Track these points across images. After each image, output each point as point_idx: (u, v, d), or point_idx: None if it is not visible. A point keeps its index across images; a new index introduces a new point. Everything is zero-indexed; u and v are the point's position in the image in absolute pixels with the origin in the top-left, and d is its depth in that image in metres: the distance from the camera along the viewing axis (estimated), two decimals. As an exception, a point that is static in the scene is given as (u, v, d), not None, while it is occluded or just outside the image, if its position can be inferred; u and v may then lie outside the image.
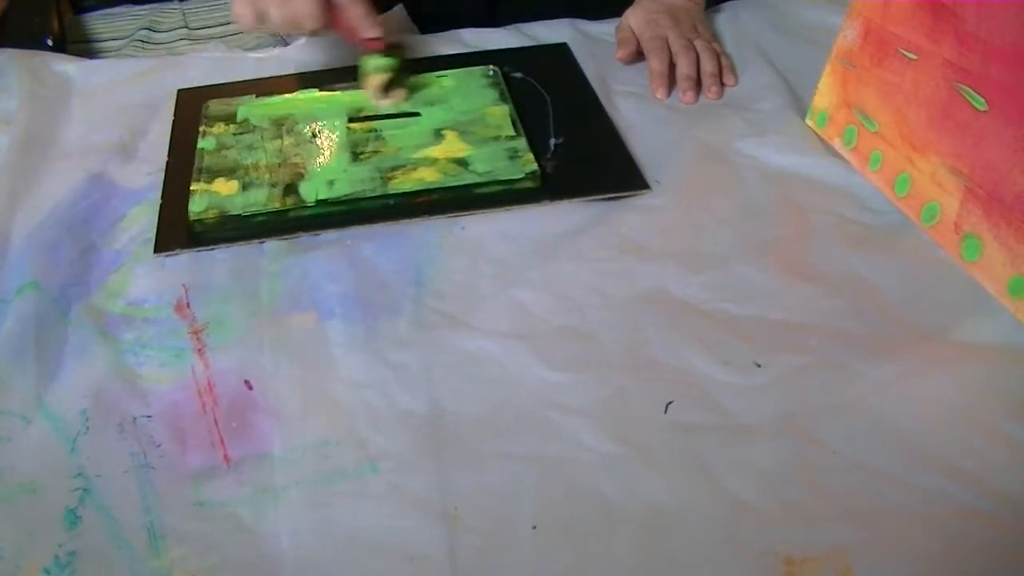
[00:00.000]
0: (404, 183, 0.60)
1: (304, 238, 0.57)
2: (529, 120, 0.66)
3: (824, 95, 0.64)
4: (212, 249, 0.57)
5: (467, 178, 0.60)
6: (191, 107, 0.69)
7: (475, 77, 0.71)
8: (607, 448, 0.45)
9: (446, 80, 0.70)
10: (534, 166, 0.61)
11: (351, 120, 0.66)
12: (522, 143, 0.63)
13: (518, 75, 0.72)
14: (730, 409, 0.47)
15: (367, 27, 0.67)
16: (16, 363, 0.49)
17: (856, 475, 0.43)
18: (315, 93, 0.69)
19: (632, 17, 0.75)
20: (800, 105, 0.67)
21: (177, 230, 0.58)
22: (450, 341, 0.51)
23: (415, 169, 0.61)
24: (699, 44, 0.71)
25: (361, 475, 0.44)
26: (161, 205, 0.60)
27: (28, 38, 0.83)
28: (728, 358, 0.49)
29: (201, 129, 0.66)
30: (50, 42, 0.86)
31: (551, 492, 0.43)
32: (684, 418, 0.46)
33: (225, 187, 0.60)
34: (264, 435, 0.46)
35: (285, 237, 0.57)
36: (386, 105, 0.68)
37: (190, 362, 0.50)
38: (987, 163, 0.51)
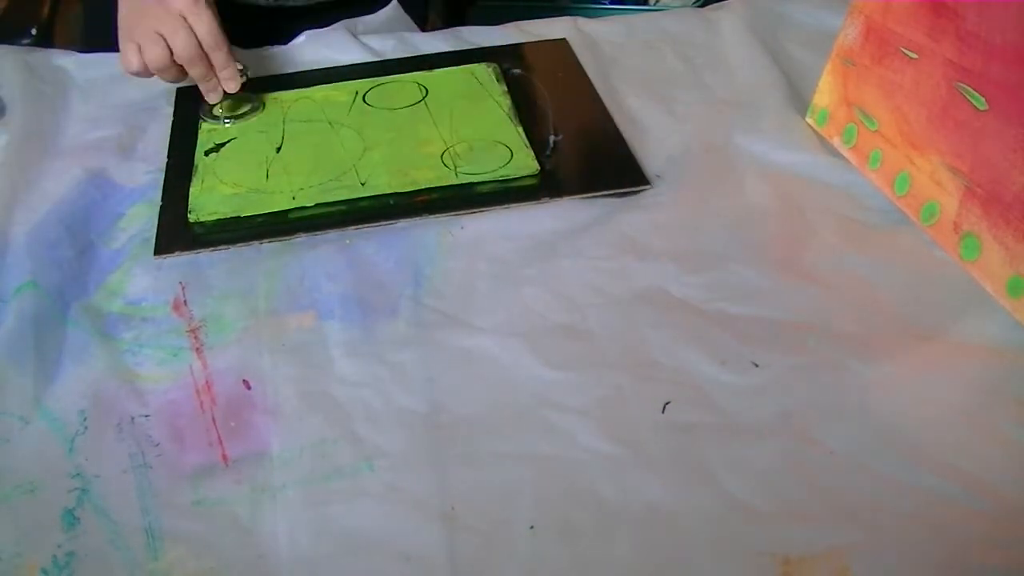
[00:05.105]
0: (403, 182, 0.60)
1: (303, 237, 0.57)
2: (528, 117, 0.66)
3: (824, 93, 0.64)
4: (211, 250, 0.57)
5: (466, 176, 0.60)
6: (190, 105, 0.69)
7: (474, 74, 0.70)
8: (605, 447, 0.45)
9: (445, 77, 0.70)
10: (533, 164, 0.61)
11: (349, 119, 0.66)
12: (521, 140, 0.63)
13: (517, 71, 0.71)
14: (728, 409, 0.47)
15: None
16: (14, 363, 0.49)
17: (853, 475, 0.43)
18: (313, 91, 0.69)
19: None
20: (800, 103, 0.67)
21: (177, 232, 0.58)
22: (448, 340, 0.51)
23: (414, 168, 0.61)
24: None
25: (359, 474, 0.44)
26: (161, 207, 0.60)
27: (16, 32, 0.82)
28: (726, 358, 0.49)
29: (200, 128, 0.66)
30: (34, 31, 0.84)
31: (549, 492, 0.43)
32: (682, 418, 0.46)
33: (224, 188, 0.60)
34: (262, 434, 0.46)
35: (285, 239, 0.57)
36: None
37: (188, 361, 0.50)
38: (986, 162, 0.51)
